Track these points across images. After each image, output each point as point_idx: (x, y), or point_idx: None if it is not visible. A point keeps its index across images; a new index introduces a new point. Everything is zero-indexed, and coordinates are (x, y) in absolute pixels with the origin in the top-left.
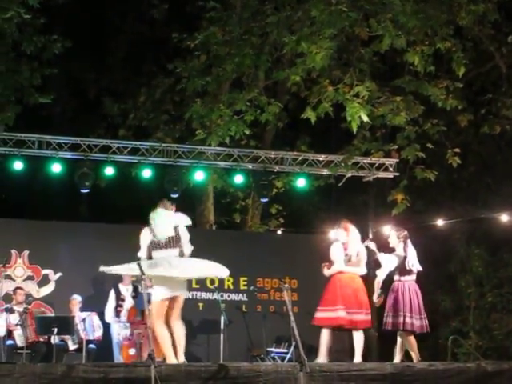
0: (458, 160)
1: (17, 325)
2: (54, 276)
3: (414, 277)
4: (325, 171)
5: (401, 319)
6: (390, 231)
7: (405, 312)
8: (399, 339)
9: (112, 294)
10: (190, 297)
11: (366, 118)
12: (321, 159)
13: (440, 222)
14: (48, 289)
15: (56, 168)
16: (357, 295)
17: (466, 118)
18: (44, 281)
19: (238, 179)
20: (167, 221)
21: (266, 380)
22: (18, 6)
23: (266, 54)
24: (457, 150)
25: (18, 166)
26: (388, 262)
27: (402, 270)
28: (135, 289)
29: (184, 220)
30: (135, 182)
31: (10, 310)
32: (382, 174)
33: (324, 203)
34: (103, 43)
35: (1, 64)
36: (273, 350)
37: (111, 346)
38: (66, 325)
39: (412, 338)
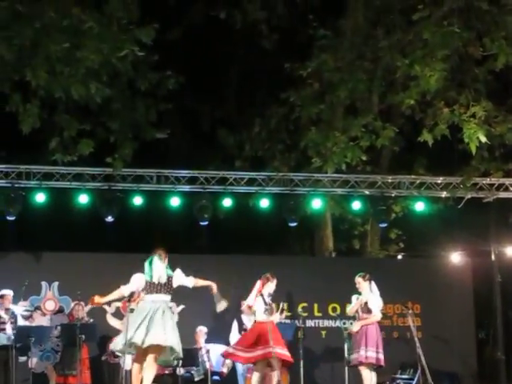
0: None
1: None
2: (177, 308)
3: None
4: (443, 194)
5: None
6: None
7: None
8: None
9: (235, 325)
10: (313, 325)
11: (484, 139)
12: (439, 182)
13: None
14: None
15: (175, 201)
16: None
17: None
18: None
19: (356, 205)
20: (161, 268)
21: None
22: (132, 44)
23: (378, 78)
24: None
25: (137, 200)
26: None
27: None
28: None
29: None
30: (253, 212)
31: None
32: (502, 194)
33: (444, 226)
34: (216, 76)
35: (117, 102)
36: (398, 376)
37: (236, 377)
38: (191, 356)
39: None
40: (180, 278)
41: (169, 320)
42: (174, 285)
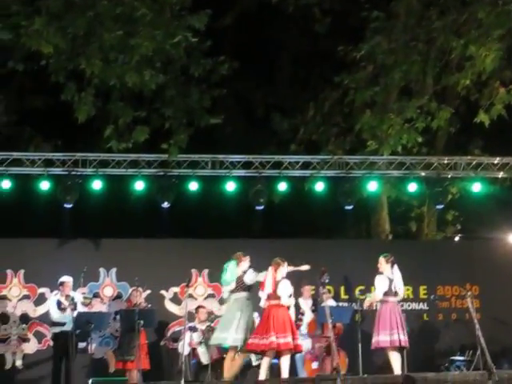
0: None
1: (200, 343)
2: None
3: (398, 298)
4: (500, 174)
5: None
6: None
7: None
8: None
9: (292, 308)
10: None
11: None
12: (495, 162)
13: None
14: None
15: (230, 186)
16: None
17: None
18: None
19: (412, 187)
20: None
21: None
22: (185, 31)
23: (433, 59)
24: None
25: (193, 186)
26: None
27: (389, 291)
28: (315, 302)
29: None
30: (308, 196)
31: (193, 329)
32: None
33: (501, 207)
34: (269, 61)
35: (171, 88)
36: (457, 358)
37: (294, 359)
38: None
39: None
40: (251, 277)
41: (246, 318)
42: (249, 282)
